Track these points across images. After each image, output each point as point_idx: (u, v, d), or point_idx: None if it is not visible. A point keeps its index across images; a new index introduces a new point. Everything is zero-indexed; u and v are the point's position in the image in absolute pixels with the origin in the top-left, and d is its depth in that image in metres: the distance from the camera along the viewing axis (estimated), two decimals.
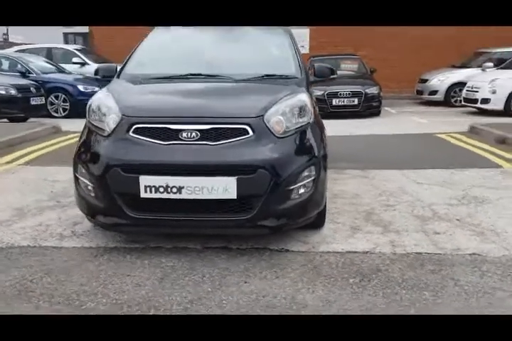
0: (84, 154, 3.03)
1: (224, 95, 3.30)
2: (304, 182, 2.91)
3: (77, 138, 3.32)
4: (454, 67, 12.21)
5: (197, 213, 2.85)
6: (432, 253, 3.04)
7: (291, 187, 2.85)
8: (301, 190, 2.91)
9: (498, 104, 9.55)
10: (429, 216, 3.71)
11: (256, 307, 2.39)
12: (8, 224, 3.54)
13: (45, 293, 2.54)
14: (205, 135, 2.83)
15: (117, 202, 2.86)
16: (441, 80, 11.74)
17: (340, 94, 9.93)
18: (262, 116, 2.93)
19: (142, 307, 2.40)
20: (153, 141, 2.86)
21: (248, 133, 2.86)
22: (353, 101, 9.94)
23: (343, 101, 9.95)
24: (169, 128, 2.86)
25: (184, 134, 2.84)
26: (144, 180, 2.78)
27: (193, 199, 2.79)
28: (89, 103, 3.23)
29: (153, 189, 2.78)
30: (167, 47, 3.99)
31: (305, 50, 13.23)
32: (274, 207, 2.84)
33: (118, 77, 3.62)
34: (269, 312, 2.35)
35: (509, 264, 2.87)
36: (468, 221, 3.58)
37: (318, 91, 10.09)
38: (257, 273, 2.76)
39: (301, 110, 3.04)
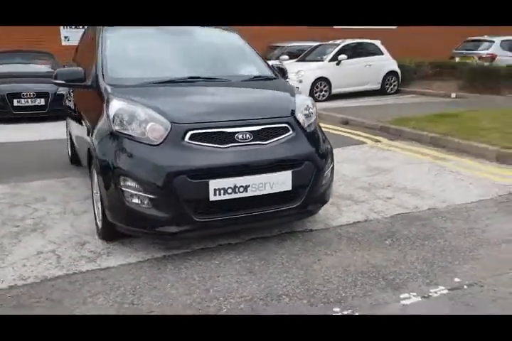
0: (130, 165, 2.89)
1: (250, 97, 3.50)
2: (329, 169, 3.41)
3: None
4: None
5: (259, 207, 3.08)
6: (405, 212, 3.90)
7: (324, 175, 3.33)
8: (328, 176, 3.41)
9: (303, 92, 11.21)
10: (367, 186, 4.60)
11: (357, 275, 2.85)
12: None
13: (166, 304, 2.49)
14: (256, 135, 3.06)
15: (184, 209, 2.88)
16: None
17: None
18: (294, 114, 3.29)
19: (272, 296, 2.61)
20: (212, 145, 2.95)
21: (289, 131, 3.20)
22: None
23: None
24: (225, 132, 2.99)
25: (240, 136, 3.01)
26: (214, 184, 2.88)
27: (257, 196, 3.02)
28: (112, 113, 3.04)
29: (222, 191, 2.91)
30: (138, 49, 3.83)
31: None
32: (315, 193, 3.28)
33: (103, 82, 3.39)
34: (371, 276, 2.83)
35: (456, 211, 3.93)
36: (395, 186, 4.59)
37: None
38: (315, 250, 3.18)
39: (312, 107, 3.50)
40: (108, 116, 3.09)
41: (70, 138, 5.23)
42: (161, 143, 2.91)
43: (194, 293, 2.65)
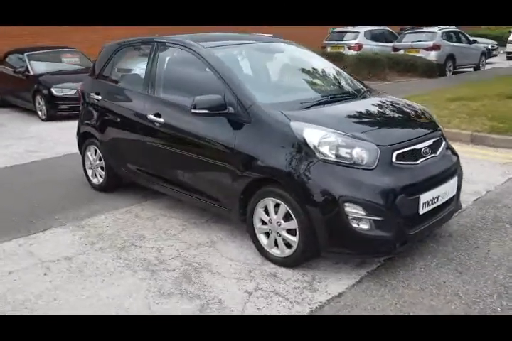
0: (353, 191, 2.92)
1: (401, 112, 3.65)
2: None
3: None
4: None
5: (441, 212, 3.36)
6: (477, 198, 4.54)
7: None
8: None
9: None
10: None
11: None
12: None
13: None
14: (431, 149, 3.33)
15: (400, 226, 3.04)
16: None
17: None
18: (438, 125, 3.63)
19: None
20: (410, 163, 3.14)
21: (443, 141, 3.53)
22: None
23: None
24: (415, 149, 3.20)
25: (423, 151, 3.25)
26: (423, 198, 3.10)
27: (443, 203, 3.33)
28: (314, 141, 3.03)
29: (427, 204, 3.15)
30: (253, 69, 3.68)
31: None
32: (459, 191, 3.68)
33: (261, 109, 3.27)
34: None
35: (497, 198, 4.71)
36: None
37: (68, 90, 9.25)
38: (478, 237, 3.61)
39: None
40: (306, 144, 3.05)
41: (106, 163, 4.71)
42: (376, 167, 3.00)
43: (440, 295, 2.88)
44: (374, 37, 15.92)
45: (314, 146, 3.03)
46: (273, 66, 3.97)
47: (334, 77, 4.11)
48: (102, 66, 4.73)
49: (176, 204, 4.49)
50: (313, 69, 4.12)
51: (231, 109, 3.40)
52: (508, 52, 20.94)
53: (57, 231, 4.03)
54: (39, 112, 9.57)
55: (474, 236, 3.69)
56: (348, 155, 3.02)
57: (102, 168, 4.81)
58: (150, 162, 4.23)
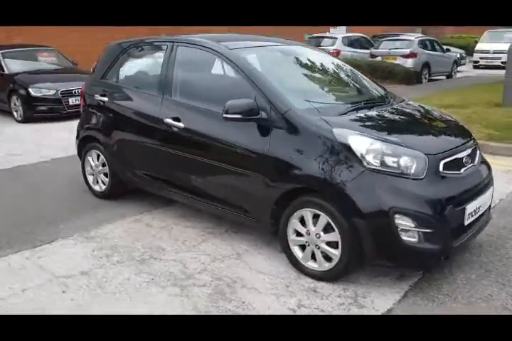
0: (404, 202, 2.80)
1: (435, 117, 3.57)
2: None
3: None
4: None
5: (478, 222, 3.27)
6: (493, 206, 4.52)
7: None
8: None
9: None
10: None
11: None
12: None
13: None
14: (470, 158, 3.25)
15: (447, 238, 2.94)
16: None
17: (75, 92, 8.95)
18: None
19: None
20: (455, 172, 3.04)
21: (478, 150, 3.46)
22: None
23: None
24: (458, 158, 3.10)
25: (464, 160, 3.16)
26: (469, 209, 3.01)
27: (482, 213, 3.25)
28: (362, 149, 2.89)
29: (471, 214, 3.06)
30: (281, 72, 3.53)
31: None
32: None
33: (298, 115, 3.12)
34: None
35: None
36: None
37: (46, 90, 8.84)
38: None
39: None
40: (352, 152, 2.90)
41: (110, 169, 4.43)
42: (425, 177, 2.89)
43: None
44: (351, 43, 16.04)
45: (361, 154, 2.89)
46: (299, 69, 3.81)
47: (360, 82, 3.99)
48: (108, 66, 4.45)
49: (188, 212, 4.26)
50: (338, 73, 4.00)
51: (264, 114, 3.22)
52: (475, 61, 21.56)
53: (65, 242, 3.73)
54: (15, 113, 9.07)
55: (504, 247, 3.63)
56: (395, 164, 2.89)
57: (105, 174, 4.52)
58: (163, 168, 3.99)
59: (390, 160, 2.90)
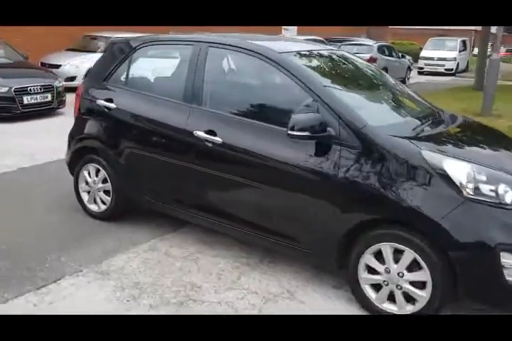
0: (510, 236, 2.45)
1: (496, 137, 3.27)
2: None
3: None
4: (72, 50, 11.87)
5: None
6: None
7: None
8: None
9: None
10: None
11: None
12: None
13: None
14: None
15: None
16: (76, 65, 11.12)
17: (31, 89, 8.01)
18: None
19: None
20: None
21: None
22: (47, 97, 8.28)
23: (36, 99, 8.13)
24: None
25: None
26: None
27: None
28: (461, 176, 2.53)
29: None
30: (339, 82, 3.08)
31: None
32: None
33: (377, 135, 2.69)
34: None
35: None
36: None
37: None
38: None
39: None
40: (449, 179, 2.52)
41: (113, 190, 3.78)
42: None
43: None
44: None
45: (461, 183, 2.51)
46: (355, 79, 3.39)
47: (408, 94, 3.64)
48: (114, 66, 3.77)
49: (205, 236, 3.71)
50: (388, 84, 3.62)
51: (332, 131, 2.77)
52: (420, 68, 22.25)
53: (75, 281, 3.07)
54: None
55: None
56: (492, 193, 2.54)
57: (106, 191, 3.86)
58: (188, 188, 3.42)
59: (487, 188, 2.54)
